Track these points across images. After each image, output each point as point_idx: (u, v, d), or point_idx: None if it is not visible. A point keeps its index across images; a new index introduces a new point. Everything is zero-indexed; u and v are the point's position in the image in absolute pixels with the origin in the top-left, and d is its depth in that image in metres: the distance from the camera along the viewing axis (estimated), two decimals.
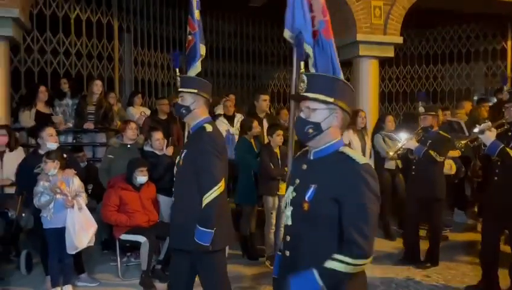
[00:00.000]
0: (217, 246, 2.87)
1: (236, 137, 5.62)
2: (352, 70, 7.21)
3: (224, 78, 9.47)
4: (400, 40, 6.93)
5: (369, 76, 6.95)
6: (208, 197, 2.80)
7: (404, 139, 4.86)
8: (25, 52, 6.80)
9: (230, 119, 6.14)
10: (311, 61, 3.31)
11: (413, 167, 4.96)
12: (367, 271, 1.88)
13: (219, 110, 6.53)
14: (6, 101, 5.43)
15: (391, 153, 5.14)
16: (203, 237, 2.79)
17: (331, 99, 1.81)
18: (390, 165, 5.74)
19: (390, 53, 6.97)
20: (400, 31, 6.93)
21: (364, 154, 5.55)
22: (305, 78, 1.87)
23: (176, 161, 3.07)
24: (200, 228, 2.79)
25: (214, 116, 6.27)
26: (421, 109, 4.92)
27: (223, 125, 5.99)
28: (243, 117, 5.86)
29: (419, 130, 4.93)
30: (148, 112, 6.47)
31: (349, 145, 5.16)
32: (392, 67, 9.51)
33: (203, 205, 2.80)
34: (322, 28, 3.17)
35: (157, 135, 5.04)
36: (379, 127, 5.85)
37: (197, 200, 2.83)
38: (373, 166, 5.64)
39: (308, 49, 3.31)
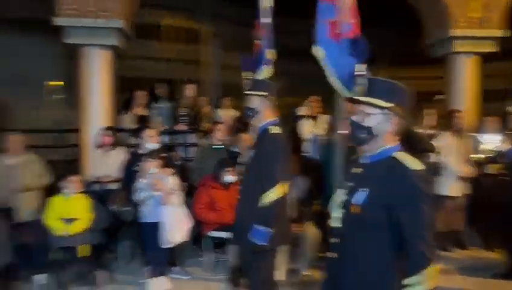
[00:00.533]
0: (269, 246, 2.92)
1: (322, 138, 5.58)
2: (445, 68, 6.78)
3: (307, 79, 9.40)
4: (501, 33, 6.37)
5: (466, 74, 6.49)
6: (267, 197, 2.87)
7: (495, 141, 4.49)
8: (125, 58, 7.39)
9: (315, 120, 6.12)
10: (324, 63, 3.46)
11: (505, 171, 4.59)
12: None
13: (303, 111, 6.54)
14: (112, 105, 5.95)
15: (476, 156, 4.78)
16: (259, 235, 2.86)
17: (387, 105, 1.81)
18: (491, 169, 5.31)
19: (490, 48, 6.44)
20: (502, 23, 6.36)
21: (459, 157, 5.21)
22: (364, 81, 1.89)
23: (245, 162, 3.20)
24: (256, 226, 2.86)
25: (296, 117, 6.31)
26: (511, 109, 4.51)
27: (307, 126, 6.00)
28: (328, 118, 5.81)
29: (510, 131, 4.51)
30: (236, 114, 6.69)
31: (445, 147, 4.99)
32: (494, 63, 8.75)
33: (262, 203, 2.88)
34: (347, 30, 3.22)
35: (244, 137, 5.19)
36: (478, 128, 5.45)
37: (258, 199, 2.91)
38: (474, 171, 5.19)
39: (319, 50, 3.45)
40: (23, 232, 4.24)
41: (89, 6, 5.45)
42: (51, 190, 4.50)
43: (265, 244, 2.87)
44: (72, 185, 4.29)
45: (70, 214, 4.18)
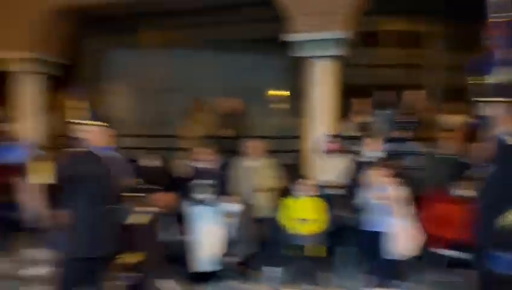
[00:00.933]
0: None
1: None
2: None
3: None
4: None
5: None
6: (508, 219, 2.56)
7: None
8: (348, 66, 7.56)
9: None
10: None
11: None
12: None
13: None
14: (335, 113, 6.17)
15: None
16: (500, 262, 2.58)
17: None
18: None
19: None
20: None
21: None
22: None
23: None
24: (498, 252, 2.60)
25: None
26: None
27: None
28: None
29: None
30: (464, 120, 6.09)
31: None
32: None
33: (503, 226, 2.60)
34: None
35: (477, 147, 4.66)
36: None
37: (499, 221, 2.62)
38: None
39: None
40: (260, 227, 4.79)
41: (318, 21, 5.79)
42: (283, 191, 4.95)
43: (509, 273, 2.53)
44: (303, 187, 4.63)
45: (303, 215, 4.52)
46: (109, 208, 3.37)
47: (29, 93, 7.42)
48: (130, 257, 3.91)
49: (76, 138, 3.38)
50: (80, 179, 3.24)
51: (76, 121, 3.44)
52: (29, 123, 7.36)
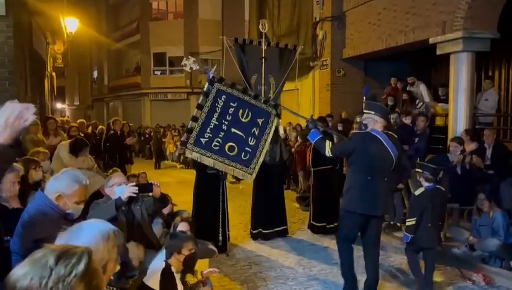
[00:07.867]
0: None
1: None
2: None
3: None
4: None
5: None
6: None
7: None
8: None
9: None
10: None
11: None
12: None
13: None
14: None
15: None
16: None
17: None
18: None
19: None
20: None
21: None
22: None
23: None
24: None
25: None
26: None
27: None
28: None
29: None
30: None
31: None
32: None
33: None
34: None
35: None
36: None
37: None
38: None
39: None
40: None
41: None
42: None
43: None
44: None
45: None
46: (383, 177, 4.40)
47: (457, 73, 7.91)
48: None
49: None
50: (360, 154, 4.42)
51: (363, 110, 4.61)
52: (460, 103, 7.89)
